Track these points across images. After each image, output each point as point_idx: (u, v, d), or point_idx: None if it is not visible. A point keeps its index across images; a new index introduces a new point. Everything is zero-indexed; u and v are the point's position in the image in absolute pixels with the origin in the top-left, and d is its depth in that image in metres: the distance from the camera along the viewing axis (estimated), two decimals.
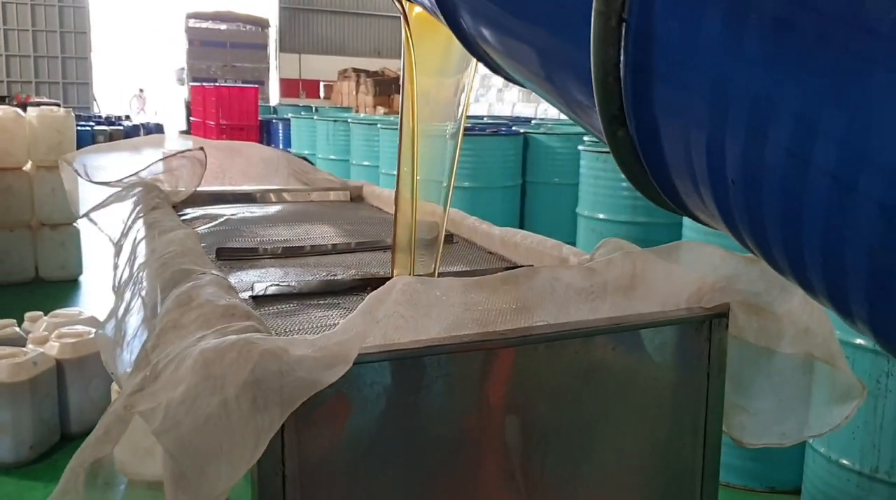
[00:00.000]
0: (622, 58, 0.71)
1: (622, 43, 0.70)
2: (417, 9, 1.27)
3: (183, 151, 2.41)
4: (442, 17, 1.01)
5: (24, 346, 3.33)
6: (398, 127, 1.40)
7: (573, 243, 4.33)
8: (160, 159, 2.43)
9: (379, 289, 1.08)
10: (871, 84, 0.48)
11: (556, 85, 0.89)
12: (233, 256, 1.84)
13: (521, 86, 1.05)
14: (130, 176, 2.40)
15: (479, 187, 5.28)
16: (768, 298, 1.24)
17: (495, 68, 1.04)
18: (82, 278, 6.05)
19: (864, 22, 0.50)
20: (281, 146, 10.27)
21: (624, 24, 0.69)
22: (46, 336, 3.42)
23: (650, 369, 1.26)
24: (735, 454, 2.96)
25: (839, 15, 0.52)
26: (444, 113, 1.47)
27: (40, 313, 3.80)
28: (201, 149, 2.40)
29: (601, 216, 3.99)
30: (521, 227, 5.50)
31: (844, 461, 2.47)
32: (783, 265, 0.64)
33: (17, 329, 3.59)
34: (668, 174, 0.77)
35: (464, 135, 1.50)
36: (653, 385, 1.27)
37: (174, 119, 20.89)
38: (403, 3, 1.28)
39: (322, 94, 25.80)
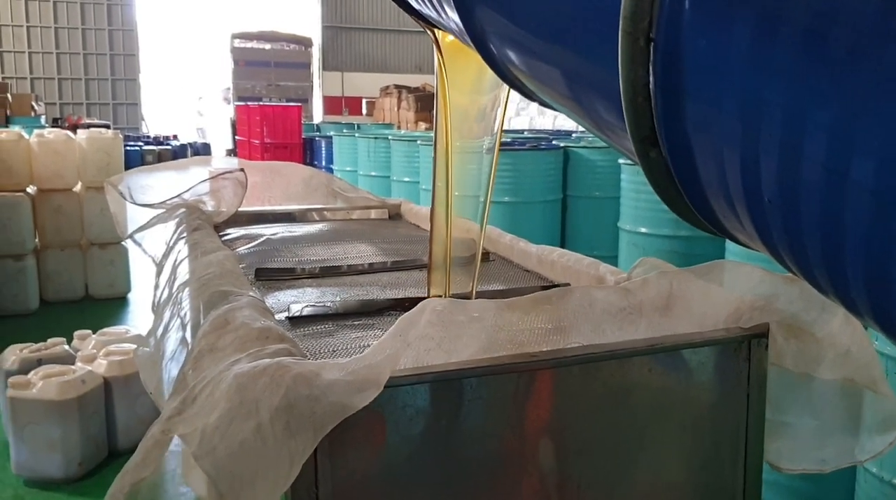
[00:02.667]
0: (651, 78, 0.70)
1: (651, 63, 0.69)
2: (450, 36, 1.28)
3: (224, 173, 2.45)
4: (472, 44, 1.01)
5: (73, 364, 3.40)
6: (433, 144, 1.41)
7: (615, 258, 4.30)
8: (202, 181, 2.47)
9: (410, 311, 1.08)
10: None
11: (585, 107, 0.89)
12: (271, 276, 1.86)
13: (554, 110, 1.04)
14: (173, 198, 2.44)
15: (519, 202, 5.26)
16: (808, 318, 1.21)
17: (527, 93, 1.04)
18: (130, 296, 6.18)
19: None
20: (324, 163, 10.37)
21: (652, 43, 0.69)
22: (94, 354, 3.49)
23: (688, 390, 1.24)
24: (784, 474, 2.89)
25: (872, 27, 0.51)
26: (479, 129, 1.47)
27: (89, 331, 3.88)
28: (242, 170, 2.44)
29: (643, 230, 3.94)
30: (563, 241, 5.50)
31: None
32: (825, 285, 0.63)
33: (67, 347, 3.68)
34: (703, 195, 0.76)
35: (500, 149, 1.50)
36: (691, 406, 1.25)
37: (221, 138, 21.26)
38: (436, 31, 1.29)
39: (364, 110, 26.04)
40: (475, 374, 1.09)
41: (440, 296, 1.50)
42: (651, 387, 1.21)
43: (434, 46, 1.31)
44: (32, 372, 3.23)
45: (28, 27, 20.40)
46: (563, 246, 5.43)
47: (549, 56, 0.89)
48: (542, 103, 1.02)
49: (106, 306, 5.91)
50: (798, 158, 0.57)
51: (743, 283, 1.25)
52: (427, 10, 1.14)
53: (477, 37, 0.97)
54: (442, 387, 1.08)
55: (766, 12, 0.58)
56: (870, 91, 0.50)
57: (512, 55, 0.94)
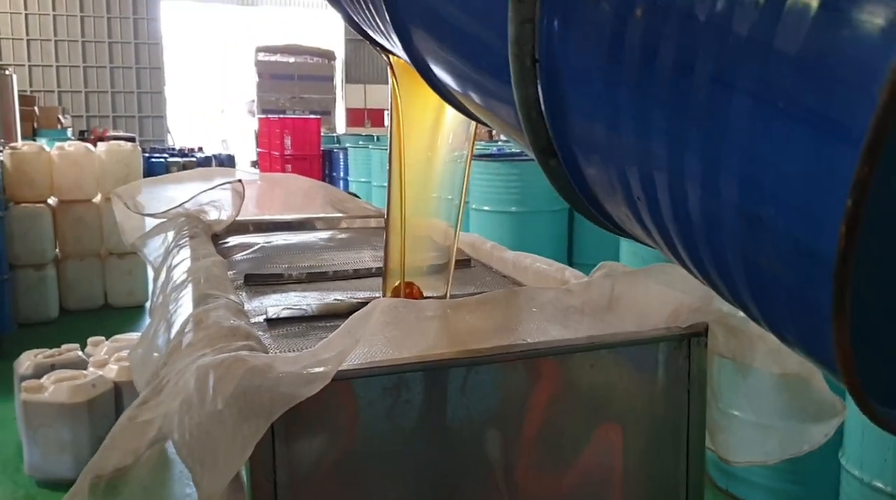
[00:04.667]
0: (540, 95, 0.79)
1: (538, 81, 0.78)
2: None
3: (222, 184, 2.56)
4: (413, 66, 1.10)
5: (85, 369, 3.53)
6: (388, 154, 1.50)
7: None
8: (202, 191, 2.58)
9: (361, 310, 1.17)
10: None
11: (504, 122, 0.98)
12: (260, 281, 1.96)
13: (486, 125, 1.13)
14: (175, 207, 2.56)
15: (526, 212, 5.34)
16: (742, 316, 1.28)
17: (462, 110, 1.13)
18: (148, 305, 6.33)
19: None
20: (340, 174, 10.51)
21: (537, 64, 0.77)
22: (106, 360, 3.62)
23: (630, 386, 1.32)
24: (771, 477, 2.93)
25: (686, 60, 0.59)
26: (443, 140, 1.55)
27: (102, 338, 4.01)
28: (239, 181, 2.55)
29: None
30: (570, 251, 5.56)
31: (878, 484, 2.44)
32: (694, 271, 0.71)
33: (80, 353, 3.81)
34: (596, 198, 0.85)
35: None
36: (633, 402, 1.32)
37: (244, 150, 21.53)
38: (390, 56, 1.39)
39: (386, 121, 26.19)
40: (421, 368, 1.17)
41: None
42: (593, 383, 1.29)
43: (388, 69, 1.41)
44: (45, 376, 3.36)
45: (56, 41, 20.83)
46: (569, 256, 5.50)
47: (468, 75, 0.98)
48: (475, 118, 1.11)
49: (124, 315, 6.06)
50: (649, 159, 0.66)
51: (682, 284, 1.33)
52: (381, 39, 1.25)
53: (415, 59, 1.07)
54: (389, 381, 1.17)
55: (612, 31, 0.66)
56: (681, 102, 0.59)
57: (442, 74, 1.03)
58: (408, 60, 1.12)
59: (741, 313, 1.29)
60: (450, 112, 1.49)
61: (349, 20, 1.40)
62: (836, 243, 0.47)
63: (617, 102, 0.68)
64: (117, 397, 3.47)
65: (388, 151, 1.49)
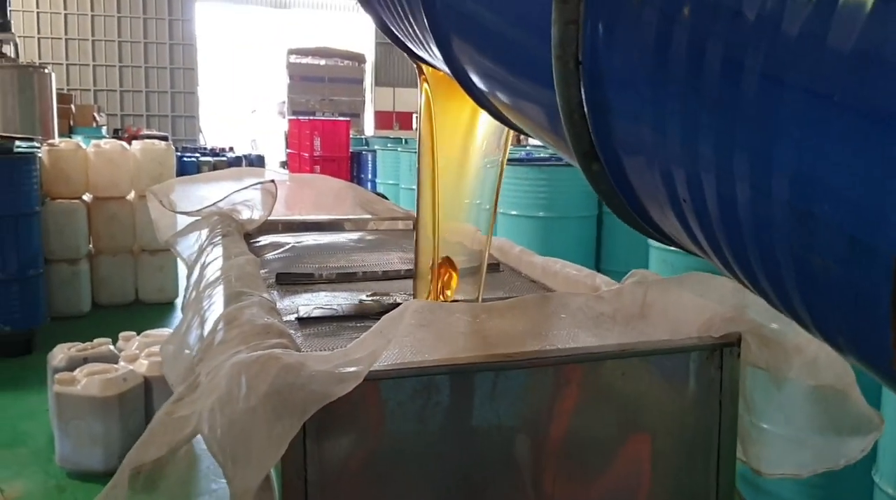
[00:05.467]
0: (583, 96, 0.79)
1: (581, 83, 0.78)
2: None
3: (255, 184, 2.59)
4: (453, 76, 1.11)
5: (116, 363, 3.58)
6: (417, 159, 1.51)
7: None
8: (235, 191, 2.61)
9: (393, 311, 1.18)
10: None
11: (542, 129, 0.98)
12: (291, 280, 1.98)
13: (524, 133, 1.13)
14: (209, 206, 2.59)
15: (554, 217, 5.32)
16: (777, 327, 1.28)
17: (500, 117, 1.13)
18: (178, 301, 6.40)
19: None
20: (369, 176, 10.55)
21: (580, 66, 0.78)
22: (137, 354, 3.67)
23: (661, 395, 1.31)
24: (802, 493, 2.89)
25: (735, 58, 0.59)
26: (477, 147, 1.56)
27: (133, 333, 4.07)
28: (272, 181, 2.58)
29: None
30: (598, 257, 5.53)
31: None
32: (742, 276, 0.70)
33: (112, 348, 3.86)
34: (640, 202, 0.85)
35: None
36: (664, 411, 1.32)
37: (274, 151, 21.71)
38: (423, 67, 1.40)
39: (415, 125, 26.27)
40: (452, 371, 1.18)
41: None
42: (624, 391, 1.29)
43: (419, 76, 1.43)
44: (78, 370, 3.41)
45: (93, 41, 21.16)
46: (597, 262, 5.47)
47: (507, 81, 0.98)
48: (512, 125, 1.12)
49: (154, 310, 6.13)
50: (696, 159, 0.66)
51: (715, 294, 1.32)
52: (418, 49, 1.26)
53: (454, 66, 1.08)
54: (420, 383, 1.18)
55: (659, 31, 0.66)
56: (740, 103, 0.59)
57: (481, 81, 1.04)
58: (446, 69, 1.13)
59: (775, 324, 1.29)
60: (482, 119, 1.49)
61: (385, 30, 1.42)
62: (894, 239, 0.46)
63: (663, 102, 0.67)
64: (147, 391, 3.52)
65: (417, 156, 1.50)
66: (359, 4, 1.46)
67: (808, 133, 0.52)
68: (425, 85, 1.43)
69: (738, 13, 0.58)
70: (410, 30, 1.23)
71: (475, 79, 1.07)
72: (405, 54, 1.39)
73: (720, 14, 0.60)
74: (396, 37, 1.38)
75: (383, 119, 27.47)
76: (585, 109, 0.79)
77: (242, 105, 30.05)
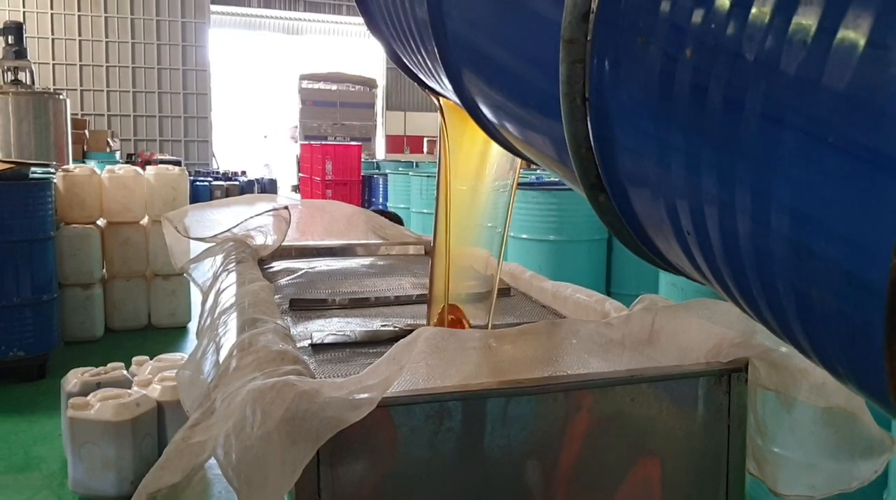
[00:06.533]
0: (590, 132, 0.81)
1: (588, 119, 0.81)
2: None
3: (269, 210, 2.62)
4: (463, 107, 1.14)
5: (129, 388, 3.61)
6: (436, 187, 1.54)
7: None
8: (250, 217, 2.65)
9: (406, 338, 1.20)
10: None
11: (550, 160, 1.01)
12: (304, 306, 2.01)
13: (532, 162, 1.16)
14: (223, 232, 2.63)
15: (564, 241, 5.35)
16: (786, 351, 1.29)
17: (509, 147, 1.16)
18: (190, 326, 6.44)
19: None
20: (380, 200, 10.63)
21: (587, 102, 0.80)
22: (150, 379, 3.69)
23: (671, 421, 1.32)
24: None
25: (736, 97, 0.62)
26: (488, 173, 1.59)
27: (146, 357, 4.10)
28: (286, 208, 2.62)
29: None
30: (608, 280, 5.54)
31: None
32: (744, 306, 0.72)
33: (125, 372, 3.89)
34: (646, 233, 0.87)
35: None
36: (672, 437, 1.33)
37: (286, 175, 21.87)
38: (440, 99, 1.43)
39: (426, 149, 26.44)
40: (463, 398, 1.20)
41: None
42: (633, 417, 1.30)
43: (439, 112, 1.46)
44: (91, 394, 3.44)
45: (107, 67, 21.46)
46: (608, 285, 5.48)
47: (516, 114, 1.01)
48: (520, 155, 1.15)
49: (167, 335, 6.17)
50: (699, 193, 0.68)
51: (723, 320, 1.34)
52: (430, 81, 1.29)
53: (464, 98, 1.11)
54: (432, 409, 1.19)
55: (662, 70, 0.69)
56: (737, 139, 0.61)
57: (490, 113, 1.07)
58: (456, 100, 1.16)
59: (784, 348, 1.31)
60: (495, 146, 1.52)
61: (396, 60, 1.45)
62: (887, 274, 0.48)
63: (667, 138, 0.70)
64: (160, 416, 3.54)
65: (436, 183, 1.52)
66: (370, 32, 1.50)
67: (805, 172, 0.54)
68: (441, 117, 1.47)
69: (738, 55, 0.60)
70: (421, 61, 1.27)
71: (485, 110, 1.10)
72: (421, 88, 1.43)
73: (721, 55, 0.62)
74: (406, 66, 1.42)
75: (394, 143, 27.65)
76: (592, 143, 0.82)
77: (255, 130, 30.29)
